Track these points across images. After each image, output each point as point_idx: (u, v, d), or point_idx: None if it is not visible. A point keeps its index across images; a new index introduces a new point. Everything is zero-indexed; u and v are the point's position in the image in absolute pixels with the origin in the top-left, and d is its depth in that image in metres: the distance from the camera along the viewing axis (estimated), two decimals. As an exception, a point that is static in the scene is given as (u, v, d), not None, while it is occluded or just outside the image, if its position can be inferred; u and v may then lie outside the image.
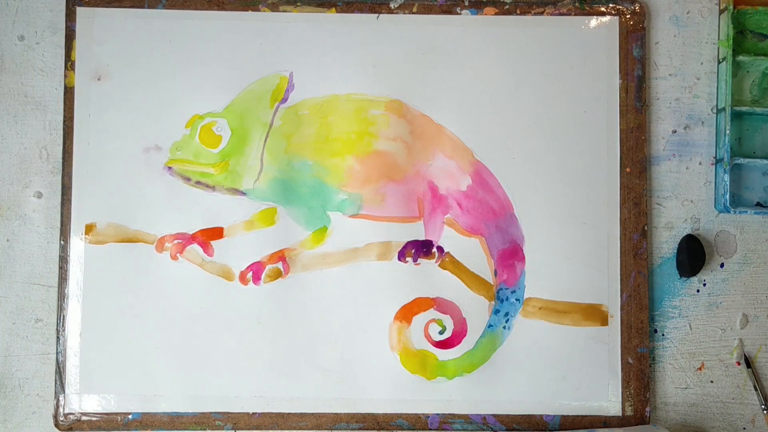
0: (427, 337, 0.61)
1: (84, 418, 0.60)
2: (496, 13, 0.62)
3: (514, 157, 0.61)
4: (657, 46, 0.63)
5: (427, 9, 0.62)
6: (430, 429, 0.60)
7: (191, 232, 0.61)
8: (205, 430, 0.60)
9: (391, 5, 0.62)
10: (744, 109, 0.61)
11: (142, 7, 0.62)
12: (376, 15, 0.62)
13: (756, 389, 0.61)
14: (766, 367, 0.62)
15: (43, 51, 0.62)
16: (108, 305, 0.61)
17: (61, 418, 0.60)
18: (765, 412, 0.61)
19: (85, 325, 0.60)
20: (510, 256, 0.61)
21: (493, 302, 0.61)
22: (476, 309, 0.61)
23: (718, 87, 0.62)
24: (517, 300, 0.61)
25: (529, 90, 0.62)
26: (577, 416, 0.61)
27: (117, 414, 0.60)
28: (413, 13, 0.62)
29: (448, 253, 0.61)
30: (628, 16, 0.62)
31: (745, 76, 0.63)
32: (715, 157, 0.62)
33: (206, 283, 0.61)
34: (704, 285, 0.62)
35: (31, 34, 0.62)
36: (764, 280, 0.62)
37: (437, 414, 0.60)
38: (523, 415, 0.60)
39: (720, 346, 0.62)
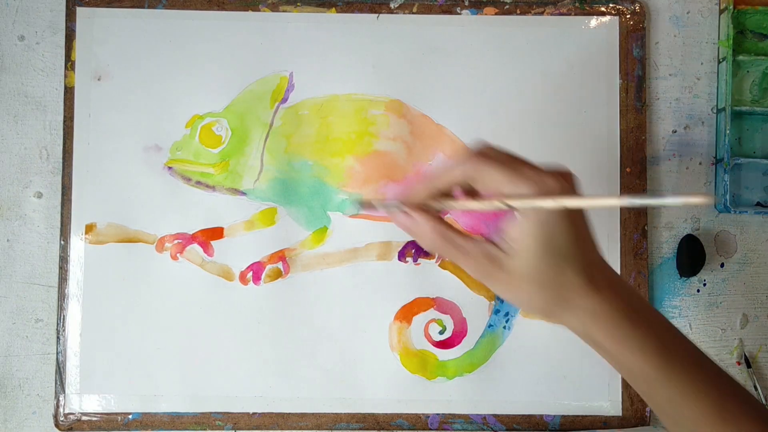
0: (427, 337, 0.61)
1: (84, 418, 0.60)
2: (496, 13, 0.62)
3: (514, 157, 0.61)
4: (657, 46, 0.63)
5: (427, 9, 0.62)
6: (430, 429, 0.60)
7: (191, 232, 0.61)
8: (205, 430, 0.60)
9: (391, 5, 0.62)
10: (744, 109, 0.61)
11: (142, 7, 0.62)
12: (376, 15, 0.62)
13: (756, 389, 0.61)
14: (766, 367, 0.62)
15: (43, 51, 0.62)
16: (108, 305, 0.61)
17: (61, 418, 0.60)
18: (765, 412, 0.61)
19: (85, 325, 0.60)
20: (510, 256, 0.61)
21: (493, 302, 0.61)
22: (476, 309, 0.61)
23: (718, 87, 0.62)
24: (517, 300, 0.61)
25: (529, 90, 0.62)
26: (577, 416, 0.61)
27: (117, 414, 0.60)
28: (413, 13, 0.62)
29: (448, 253, 0.61)
30: (628, 16, 0.62)
31: (745, 76, 0.63)
32: (715, 157, 0.62)
33: (206, 283, 0.61)
34: (704, 285, 0.62)
35: (31, 34, 0.62)
36: (764, 280, 0.62)
37: (437, 414, 0.60)
38: (523, 415, 0.60)
39: (720, 346, 0.62)
